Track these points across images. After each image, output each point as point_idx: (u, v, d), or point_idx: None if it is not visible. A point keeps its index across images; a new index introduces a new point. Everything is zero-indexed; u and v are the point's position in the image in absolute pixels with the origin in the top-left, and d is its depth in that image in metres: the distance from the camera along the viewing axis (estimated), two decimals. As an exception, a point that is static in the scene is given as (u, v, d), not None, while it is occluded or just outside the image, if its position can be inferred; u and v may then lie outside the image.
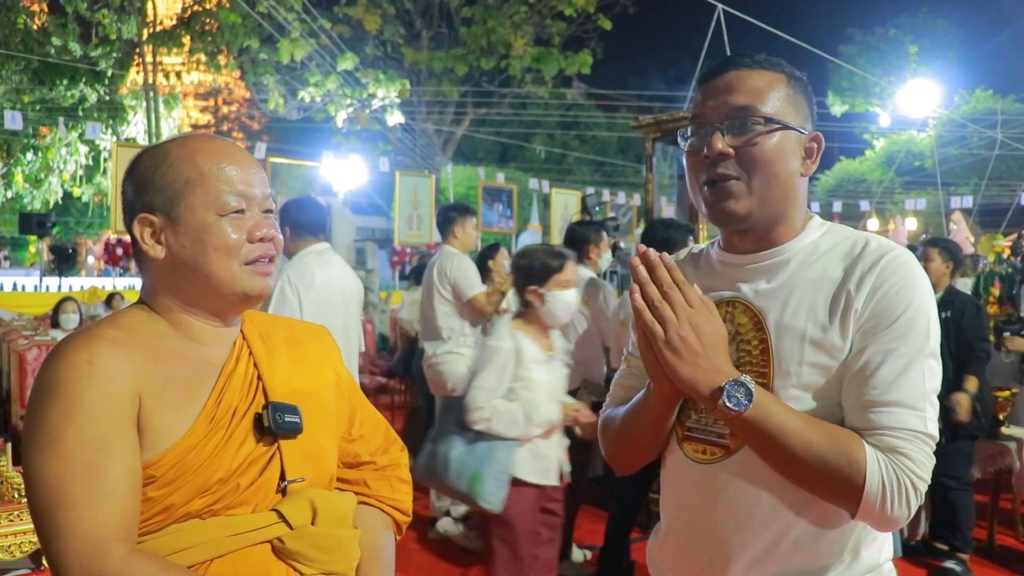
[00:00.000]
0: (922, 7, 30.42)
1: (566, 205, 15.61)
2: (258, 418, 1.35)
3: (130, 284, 14.61)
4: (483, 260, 6.01)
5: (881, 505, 1.25)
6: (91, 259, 26.39)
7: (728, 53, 8.90)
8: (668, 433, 1.51)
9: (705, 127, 1.41)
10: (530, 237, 18.79)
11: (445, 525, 4.98)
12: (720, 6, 7.89)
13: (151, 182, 1.35)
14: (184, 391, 1.31)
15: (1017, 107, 24.98)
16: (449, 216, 5.35)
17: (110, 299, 9.79)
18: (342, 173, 16.14)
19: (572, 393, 4.56)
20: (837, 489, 1.28)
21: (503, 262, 5.90)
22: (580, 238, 4.75)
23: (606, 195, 17.08)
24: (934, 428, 1.30)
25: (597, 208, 5.18)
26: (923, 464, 1.27)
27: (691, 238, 4.08)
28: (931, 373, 1.32)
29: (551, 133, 27.34)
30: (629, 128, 27.76)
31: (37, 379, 1.26)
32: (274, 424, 1.34)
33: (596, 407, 4.47)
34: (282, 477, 1.36)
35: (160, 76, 14.96)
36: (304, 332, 1.59)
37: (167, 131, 15.04)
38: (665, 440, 1.52)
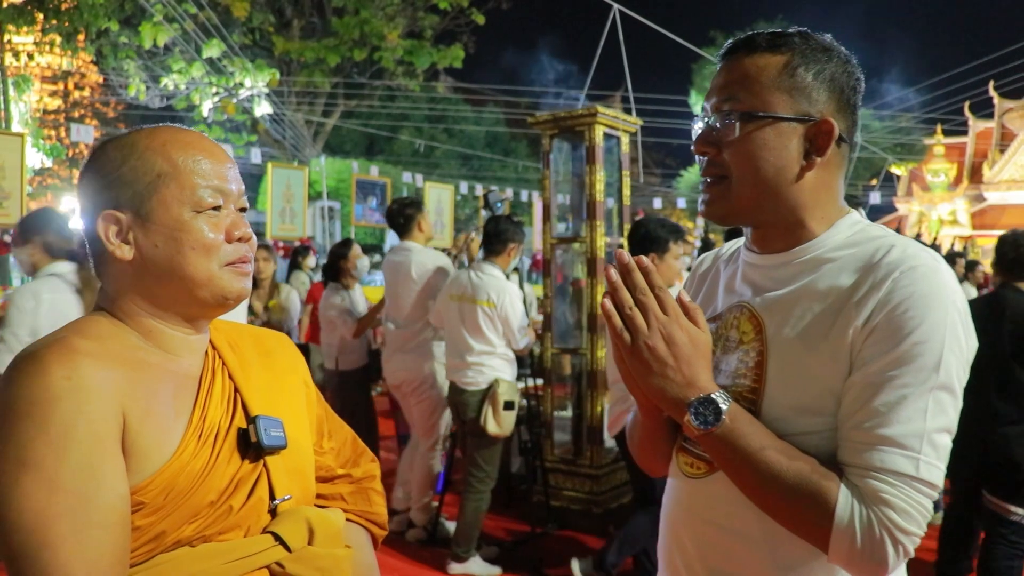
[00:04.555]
0: (778, 13, 31.88)
1: (439, 199, 15.53)
2: (242, 434, 1.25)
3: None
4: (335, 258, 5.94)
5: (850, 554, 1.15)
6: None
7: (624, 52, 9.06)
8: (670, 439, 1.47)
9: (701, 120, 1.37)
10: (402, 231, 18.58)
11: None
12: (616, 6, 7.99)
13: (117, 176, 1.22)
14: (167, 407, 1.19)
15: (865, 112, 26.60)
16: (408, 213, 5.29)
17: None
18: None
19: (484, 393, 4.56)
20: (803, 528, 1.20)
21: (356, 260, 5.86)
22: (506, 237, 4.71)
23: (509, 192, 17.13)
24: (932, 473, 1.15)
25: (499, 205, 5.14)
26: (908, 515, 1.13)
27: (677, 240, 4.04)
28: (938, 408, 1.16)
29: (419, 126, 27.17)
30: (499, 122, 27.92)
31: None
32: (263, 439, 1.25)
33: (507, 406, 4.48)
34: (271, 496, 1.27)
35: (9, 56, 13.97)
36: (271, 340, 1.49)
37: (17, 116, 14.08)
38: (669, 446, 1.48)
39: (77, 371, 1.10)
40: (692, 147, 1.38)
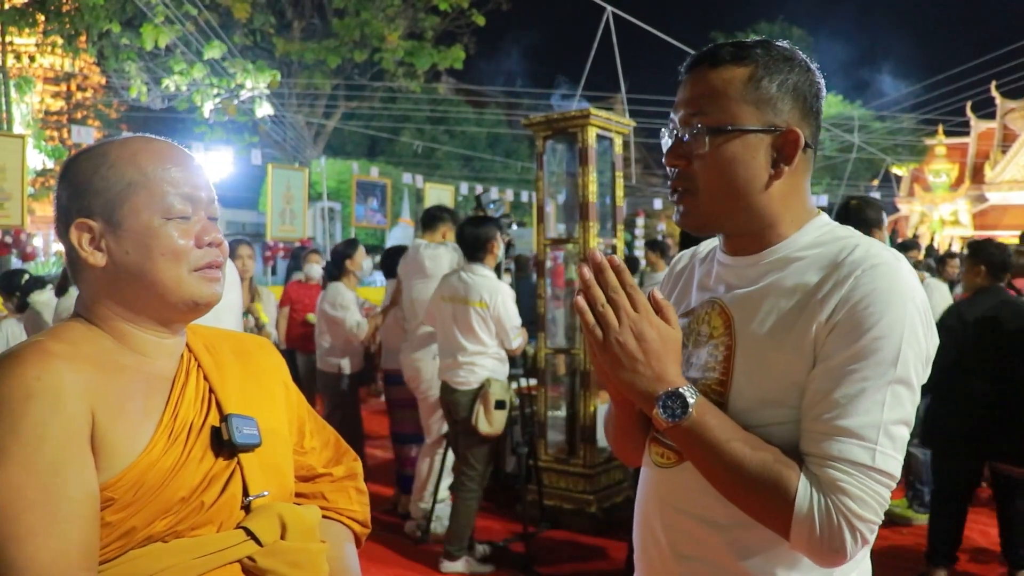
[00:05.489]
0: (779, 15, 31.95)
1: (439, 199, 15.57)
2: (215, 433, 1.29)
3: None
4: (340, 258, 5.95)
5: (809, 541, 1.19)
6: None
7: (617, 53, 9.10)
8: (643, 431, 1.51)
9: (668, 133, 1.40)
10: (402, 232, 18.67)
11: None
12: (610, 8, 8.02)
13: (89, 185, 1.27)
14: (138, 406, 1.23)
15: (866, 113, 26.64)
16: (442, 216, 5.55)
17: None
18: (210, 165, 15.59)
19: (475, 392, 4.59)
20: (765, 516, 1.24)
21: (361, 261, 5.88)
22: (481, 238, 4.74)
23: (494, 192, 17.18)
24: (889, 464, 1.19)
25: (491, 205, 5.19)
26: (864, 503, 1.18)
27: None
28: (895, 401, 1.20)
29: (421, 127, 27.22)
30: (500, 124, 27.93)
31: None
32: (235, 437, 1.28)
33: (498, 405, 4.52)
34: (245, 493, 1.30)
35: (11, 57, 14.01)
36: (250, 343, 1.54)
37: (19, 117, 14.11)
38: (643, 437, 1.52)
39: (48, 372, 1.15)
40: (663, 159, 1.41)
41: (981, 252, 4.53)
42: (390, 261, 6.07)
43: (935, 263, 9.21)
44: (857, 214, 4.17)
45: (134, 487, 1.18)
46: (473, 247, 4.75)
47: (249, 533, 1.27)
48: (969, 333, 4.32)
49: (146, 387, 1.27)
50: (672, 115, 1.41)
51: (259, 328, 5.99)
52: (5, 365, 1.15)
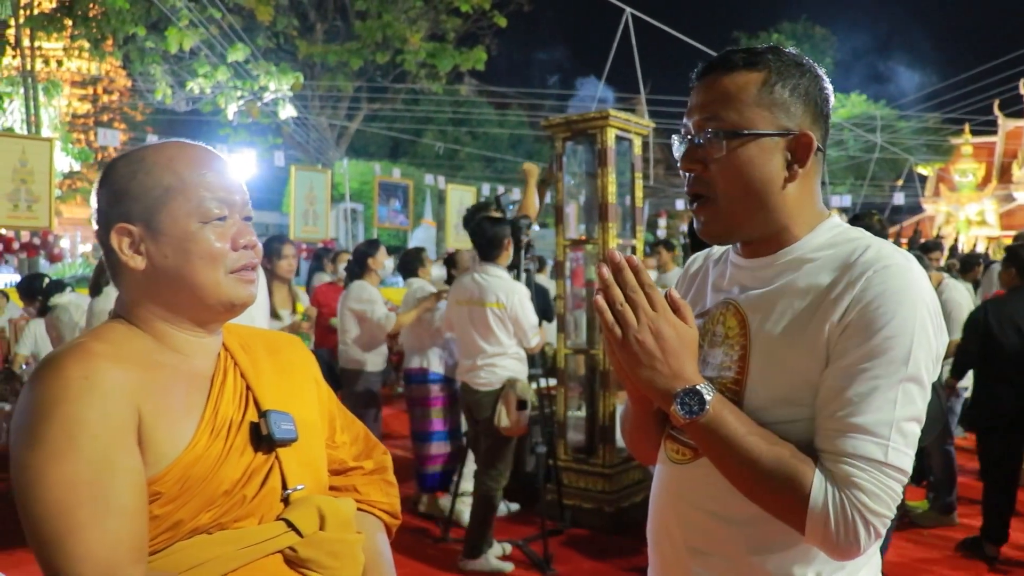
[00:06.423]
0: (801, 14, 31.84)
1: (461, 201, 15.64)
2: (254, 428, 1.34)
3: (9, 282, 13.89)
4: (363, 257, 5.97)
5: (824, 535, 1.21)
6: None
7: (636, 54, 9.11)
8: (659, 428, 1.54)
9: (681, 138, 1.43)
10: (424, 233, 18.78)
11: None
12: (628, 9, 8.03)
13: (127, 191, 1.31)
14: (179, 403, 1.28)
15: (890, 112, 26.47)
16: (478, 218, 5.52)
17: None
18: (233, 167, 15.65)
19: (496, 393, 4.63)
20: (781, 511, 1.26)
21: (383, 260, 5.90)
22: (494, 238, 4.77)
23: (517, 193, 17.22)
24: (901, 459, 1.22)
25: (511, 207, 5.22)
26: (878, 497, 1.20)
27: None
28: (907, 399, 1.23)
29: (443, 129, 27.31)
30: (522, 125, 27.94)
31: (24, 400, 1.19)
32: (274, 432, 1.33)
33: (521, 405, 4.54)
34: (284, 486, 1.35)
35: (39, 62, 14.23)
36: (281, 341, 1.59)
37: (47, 120, 14.33)
38: (659, 434, 1.55)
39: (94, 372, 1.19)
40: (678, 164, 1.44)
41: (1011, 256, 4.94)
42: (408, 261, 6.10)
43: (960, 264, 9.13)
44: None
45: (180, 481, 1.22)
46: (485, 249, 4.78)
47: (290, 524, 1.32)
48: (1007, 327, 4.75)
49: (186, 385, 1.31)
50: (685, 120, 1.43)
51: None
52: (52, 366, 1.20)
